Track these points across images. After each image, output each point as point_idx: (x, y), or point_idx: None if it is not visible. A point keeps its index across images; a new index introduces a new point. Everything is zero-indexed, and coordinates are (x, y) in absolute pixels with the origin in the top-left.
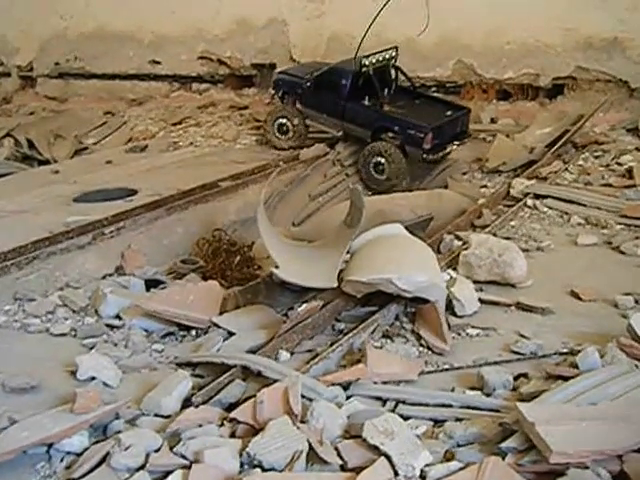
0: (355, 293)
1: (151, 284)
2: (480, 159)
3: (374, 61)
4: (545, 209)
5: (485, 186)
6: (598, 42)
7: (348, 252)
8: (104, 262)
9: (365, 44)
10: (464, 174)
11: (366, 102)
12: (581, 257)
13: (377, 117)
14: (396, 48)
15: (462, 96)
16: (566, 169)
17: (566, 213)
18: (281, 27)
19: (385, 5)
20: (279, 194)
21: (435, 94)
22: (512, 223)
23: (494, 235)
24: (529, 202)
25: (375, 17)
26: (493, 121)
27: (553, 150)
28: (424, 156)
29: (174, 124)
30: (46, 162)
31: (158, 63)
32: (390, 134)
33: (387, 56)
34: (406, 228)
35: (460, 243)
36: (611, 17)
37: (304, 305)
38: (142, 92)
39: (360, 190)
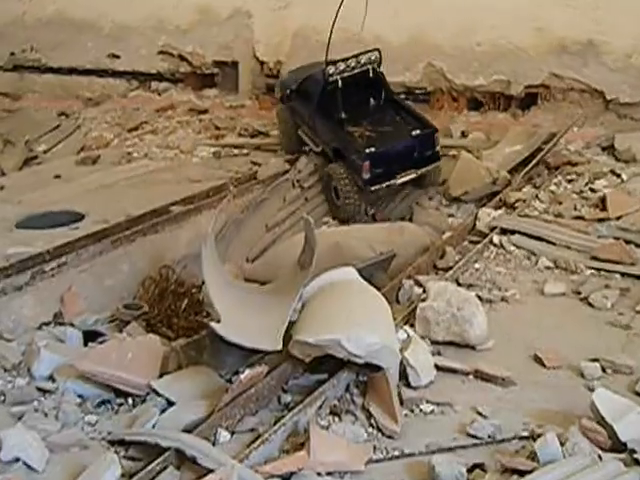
0: (303, 357)
1: (90, 336)
2: (446, 181)
3: (343, 68)
4: (512, 248)
5: (452, 215)
6: (572, 45)
7: (300, 298)
8: (42, 307)
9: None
10: (431, 199)
11: (343, 115)
12: (547, 311)
13: (334, 137)
14: (378, 51)
15: (432, 105)
16: (536, 196)
17: (534, 254)
18: (245, 19)
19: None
20: (234, 222)
21: (415, 110)
22: (476, 265)
23: (457, 281)
24: (495, 239)
25: (337, 14)
26: (464, 135)
27: (523, 173)
28: (366, 186)
29: (130, 130)
30: None
31: (117, 57)
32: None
33: (363, 61)
34: (367, 267)
35: (420, 290)
36: (585, 17)
37: (247, 371)
38: (99, 90)
39: (312, 224)
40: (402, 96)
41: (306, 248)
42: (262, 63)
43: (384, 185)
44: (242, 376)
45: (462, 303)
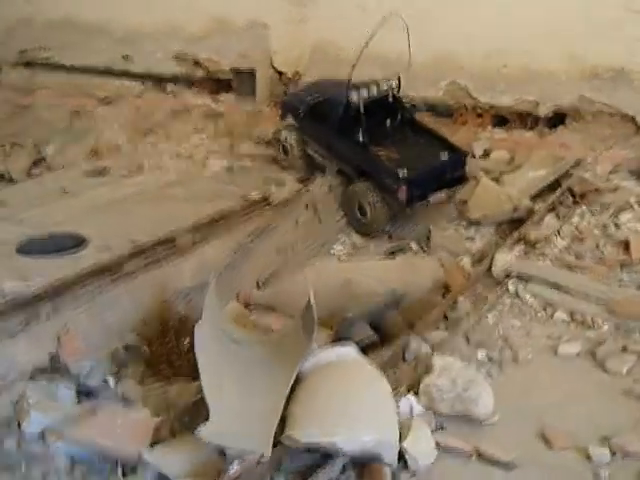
0: (296, 446)
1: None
2: (466, 202)
3: (366, 94)
4: (528, 297)
5: (471, 238)
6: (604, 72)
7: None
8: (37, 350)
9: (349, 55)
10: (449, 221)
11: (360, 137)
12: (559, 375)
13: (359, 158)
14: (398, 77)
15: (454, 120)
16: (558, 232)
17: (550, 305)
18: (262, 31)
19: (378, 27)
20: (243, 250)
21: (437, 131)
22: (489, 318)
23: (467, 338)
24: (511, 288)
25: (367, 42)
26: (486, 153)
27: (546, 205)
28: (401, 207)
29: (142, 134)
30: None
31: (130, 59)
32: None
33: (385, 87)
34: (378, 308)
35: (428, 347)
36: (620, 46)
37: (236, 466)
38: (113, 90)
39: (313, 306)
40: (424, 110)
41: (306, 319)
42: (280, 73)
43: (418, 205)
44: (231, 471)
45: (468, 383)
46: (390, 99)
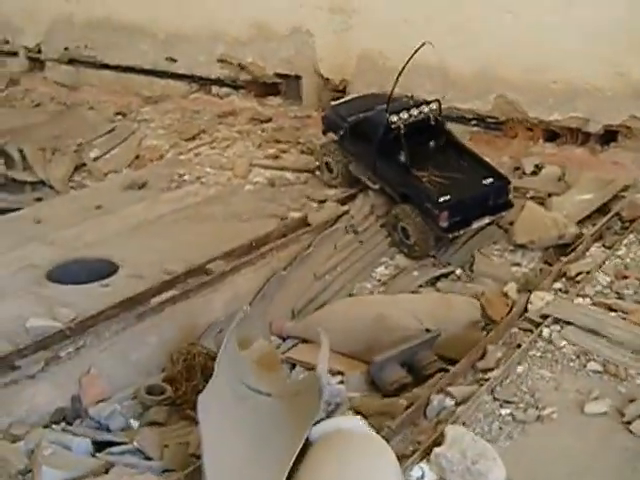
0: None
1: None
2: (512, 224)
3: (406, 117)
4: (562, 343)
5: (517, 264)
6: None
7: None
8: (58, 391)
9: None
10: (495, 243)
11: (402, 159)
12: (582, 437)
13: (401, 181)
14: (438, 101)
15: (505, 133)
16: (600, 267)
17: (584, 353)
18: (306, 38)
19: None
20: (277, 279)
21: (480, 156)
22: (519, 369)
23: (492, 394)
24: (545, 333)
25: (405, 64)
26: (538, 168)
27: (593, 232)
28: (443, 234)
29: (187, 139)
30: (40, 182)
31: (175, 61)
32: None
33: (426, 110)
34: (412, 347)
35: (452, 402)
36: None
37: None
38: (159, 90)
39: (321, 378)
40: (473, 122)
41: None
42: (327, 79)
43: (461, 232)
44: None
45: (477, 457)
46: (432, 122)
